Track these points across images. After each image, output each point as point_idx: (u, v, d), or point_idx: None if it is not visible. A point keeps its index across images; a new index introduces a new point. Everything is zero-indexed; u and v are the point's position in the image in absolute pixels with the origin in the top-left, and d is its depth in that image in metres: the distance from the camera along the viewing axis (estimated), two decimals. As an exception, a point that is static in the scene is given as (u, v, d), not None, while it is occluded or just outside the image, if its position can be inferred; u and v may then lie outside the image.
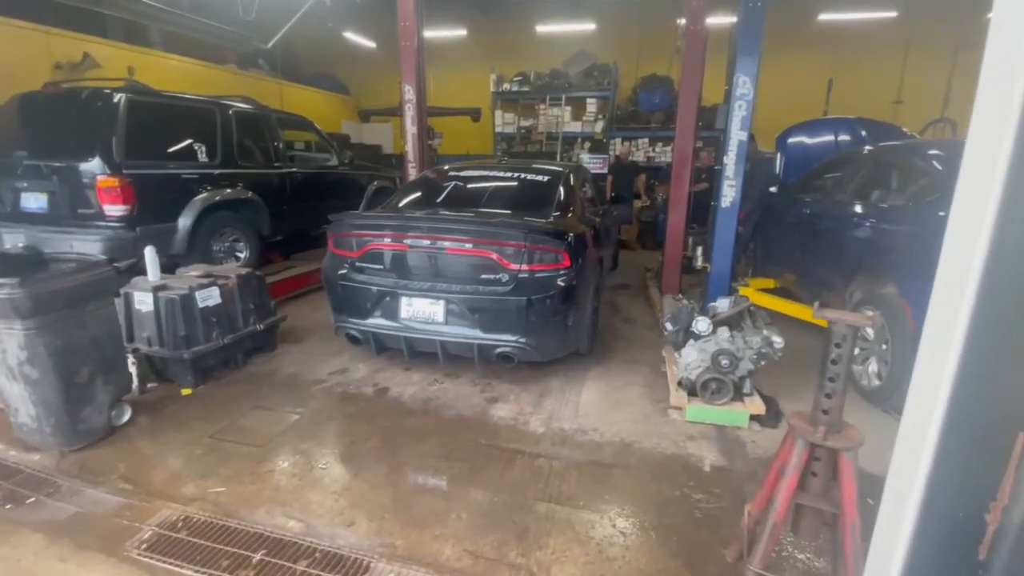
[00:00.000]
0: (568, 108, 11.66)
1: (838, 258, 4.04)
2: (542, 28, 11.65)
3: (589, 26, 11.38)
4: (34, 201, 4.27)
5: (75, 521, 2.28)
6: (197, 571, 1.97)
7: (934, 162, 3.42)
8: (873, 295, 3.39)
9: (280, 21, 10.05)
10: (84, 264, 2.85)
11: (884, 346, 3.24)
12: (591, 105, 11.59)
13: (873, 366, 3.35)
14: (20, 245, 3.97)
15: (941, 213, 3.04)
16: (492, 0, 10.99)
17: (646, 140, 11.50)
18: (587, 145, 11.77)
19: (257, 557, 2.04)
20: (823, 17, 10.03)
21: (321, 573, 1.96)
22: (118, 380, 2.95)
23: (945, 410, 0.64)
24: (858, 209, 4.01)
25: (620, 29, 11.77)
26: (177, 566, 2.00)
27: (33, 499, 2.42)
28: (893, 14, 9.53)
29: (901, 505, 0.68)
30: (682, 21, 5.26)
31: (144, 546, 2.11)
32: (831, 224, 4.35)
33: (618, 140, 11.38)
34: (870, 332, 3.38)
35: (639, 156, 11.39)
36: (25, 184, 4.24)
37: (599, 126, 11.62)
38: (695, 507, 2.40)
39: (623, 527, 2.25)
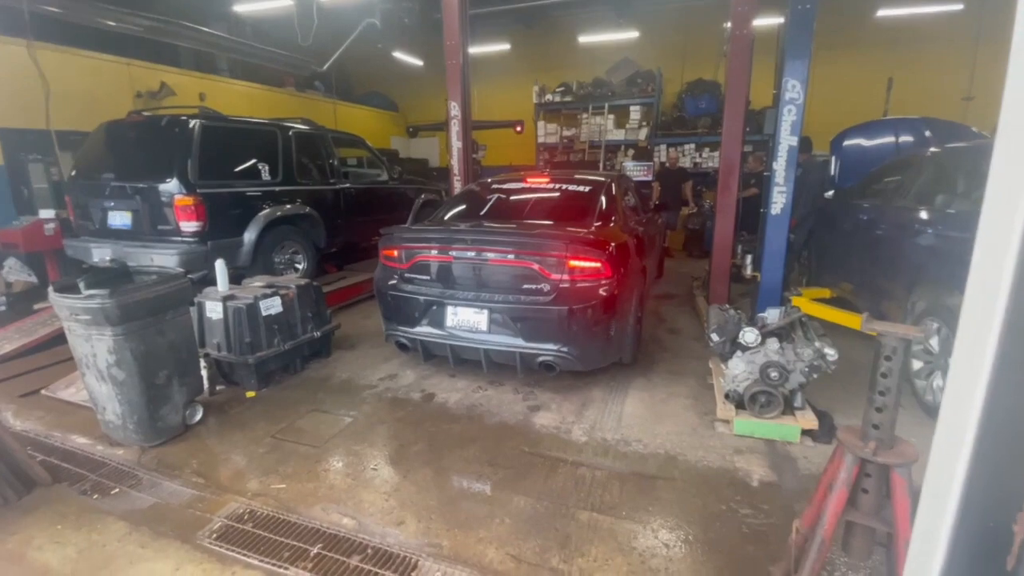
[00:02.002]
0: (611, 116, 11.63)
1: (899, 266, 3.85)
2: (584, 38, 11.72)
3: (632, 34, 11.35)
4: (119, 219, 4.72)
5: (154, 511, 2.50)
6: (262, 560, 2.13)
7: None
8: (938, 305, 3.21)
9: (334, 45, 10.61)
10: (164, 276, 3.12)
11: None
12: (635, 112, 11.52)
13: (938, 381, 3.17)
14: (107, 259, 4.41)
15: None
16: (535, 13, 11.16)
17: (692, 146, 11.30)
18: (631, 152, 11.68)
19: (314, 550, 2.18)
20: (881, 13, 9.58)
21: (373, 569, 2.07)
22: (192, 382, 3.21)
23: (979, 420, 0.65)
24: (922, 215, 3.80)
25: (664, 35, 11.67)
26: (244, 555, 2.16)
27: (117, 490, 2.67)
28: (959, 7, 8.98)
29: (938, 515, 0.69)
30: (728, 25, 5.17)
31: (214, 536, 2.29)
32: (891, 231, 4.15)
33: (663, 147, 11.25)
34: (935, 344, 3.21)
35: (685, 162, 11.20)
36: (112, 203, 4.69)
37: (643, 133, 11.52)
38: (742, 522, 2.36)
39: (666, 539, 2.24)
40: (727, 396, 3.13)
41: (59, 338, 4.49)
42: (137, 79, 8.48)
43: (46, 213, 5.82)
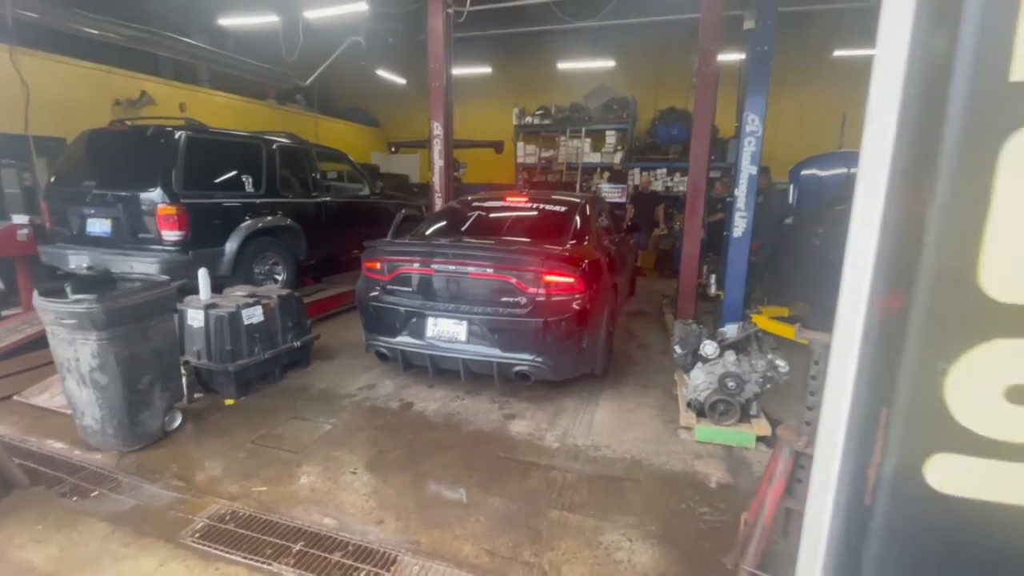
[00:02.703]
0: (588, 140, 12.05)
1: (846, 287, 4.18)
2: (563, 65, 12.18)
3: (608, 63, 11.85)
4: (99, 226, 4.72)
5: (135, 512, 2.55)
6: (245, 558, 2.21)
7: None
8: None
9: (318, 60, 10.76)
10: (149, 283, 3.19)
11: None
12: (610, 137, 11.97)
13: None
14: (84, 265, 4.41)
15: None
16: (516, 40, 11.57)
17: (664, 170, 11.78)
18: (606, 175, 12.10)
19: (296, 547, 2.27)
20: (838, 53, 10.29)
21: (354, 564, 2.18)
22: (173, 388, 3.26)
23: (850, 398, 0.86)
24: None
25: (638, 65, 12.23)
26: (227, 552, 2.24)
27: (97, 493, 2.70)
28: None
29: (827, 469, 0.89)
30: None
31: (197, 535, 2.35)
32: (839, 254, 4.49)
33: (637, 170, 11.70)
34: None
35: (658, 186, 11.66)
36: (92, 211, 4.70)
37: (618, 157, 11.96)
38: (700, 519, 2.55)
39: (630, 534, 2.41)
40: (689, 405, 3.35)
41: (29, 345, 4.45)
42: (117, 87, 8.45)
43: (19, 218, 5.74)
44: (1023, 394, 0.68)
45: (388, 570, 2.15)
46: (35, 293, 2.93)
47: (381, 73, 13.02)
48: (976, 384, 0.69)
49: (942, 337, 0.70)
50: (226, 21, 9.51)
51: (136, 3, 8.59)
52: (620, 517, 2.53)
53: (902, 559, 0.78)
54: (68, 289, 2.85)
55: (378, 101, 14.78)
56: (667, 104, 12.02)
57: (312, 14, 8.73)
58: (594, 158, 12.10)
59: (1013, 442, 0.68)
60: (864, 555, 0.79)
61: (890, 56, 0.76)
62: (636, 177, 11.59)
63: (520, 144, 12.56)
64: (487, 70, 12.86)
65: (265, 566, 2.17)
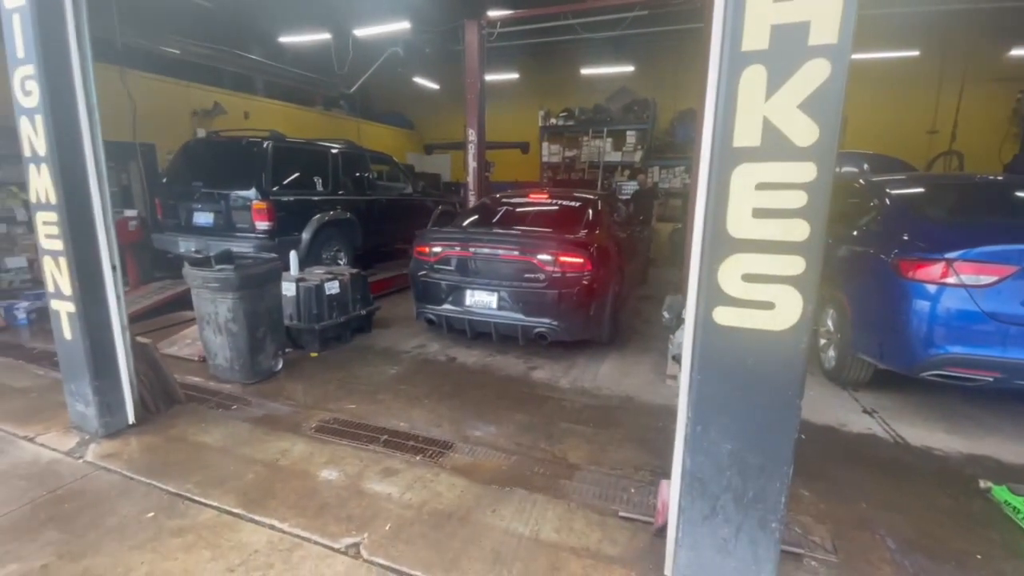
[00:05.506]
0: (609, 139, 12.88)
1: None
2: (586, 70, 13.00)
3: (628, 68, 12.62)
4: (203, 218, 5.87)
5: (266, 418, 3.59)
6: (348, 443, 3.21)
7: (877, 198, 4.34)
8: (832, 297, 4.31)
9: (361, 69, 11.89)
10: (260, 259, 4.26)
11: (839, 335, 4.16)
12: (631, 136, 12.77)
13: (831, 352, 4.26)
14: (192, 249, 5.53)
15: (864, 235, 4.04)
16: (541, 47, 12.45)
17: (683, 168, 12.52)
18: (626, 173, 12.90)
19: (383, 438, 3.27)
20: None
21: (424, 446, 3.16)
22: (279, 339, 4.32)
23: (690, 293, 1.77)
24: (837, 231, 4.90)
25: (658, 69, 12.96)
26: (335, 440, 3.25)
27: (235, 406, 3.76)
28: (915, 53, 10.21)
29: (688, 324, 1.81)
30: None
31: (313, 429, 3.38)
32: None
33: (656, 168, 12.47)
34: (831, 325, 4.30)
35: (676, 183, 12.43)
36: (199, 206, 5.85)
37: (638, 155, 12.75)
38: (671, 432, 3.42)
39: (617, 438, 3.33)
40: (673, 358, 4.22)
41: (152, 312, 5.63)
42: (194, 99, 9.72)
43: (131, 212, 6.98)
44: (750, 277, 1.58)
45: (448, 450, 3.13)
46: (185, 264, 4.03)
47: (417, 80, 14.09)
48: (729, 273, 1.59)
49: (715, 253, 1.60)
50: (285, 39, 10.69)
51: (207, 24, 9.82)
52: (611, 429, 3.45)
53: (710, 353, 1.70)
54: (212, 261, 3.93)
55: (413, 105, 15.90)
56: (685, 105, 12.71)
57: (361, 32, 9.81)
58: (615, 157, 12.93)
59: (745, 298, 1.58)
60: (695, 355, 1.71)
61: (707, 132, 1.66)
62: (656, 174, 12.37)
63: (545, 144, 13.48)
64: (514, 76, 13.78)
65: (363, 447, 3.17)
